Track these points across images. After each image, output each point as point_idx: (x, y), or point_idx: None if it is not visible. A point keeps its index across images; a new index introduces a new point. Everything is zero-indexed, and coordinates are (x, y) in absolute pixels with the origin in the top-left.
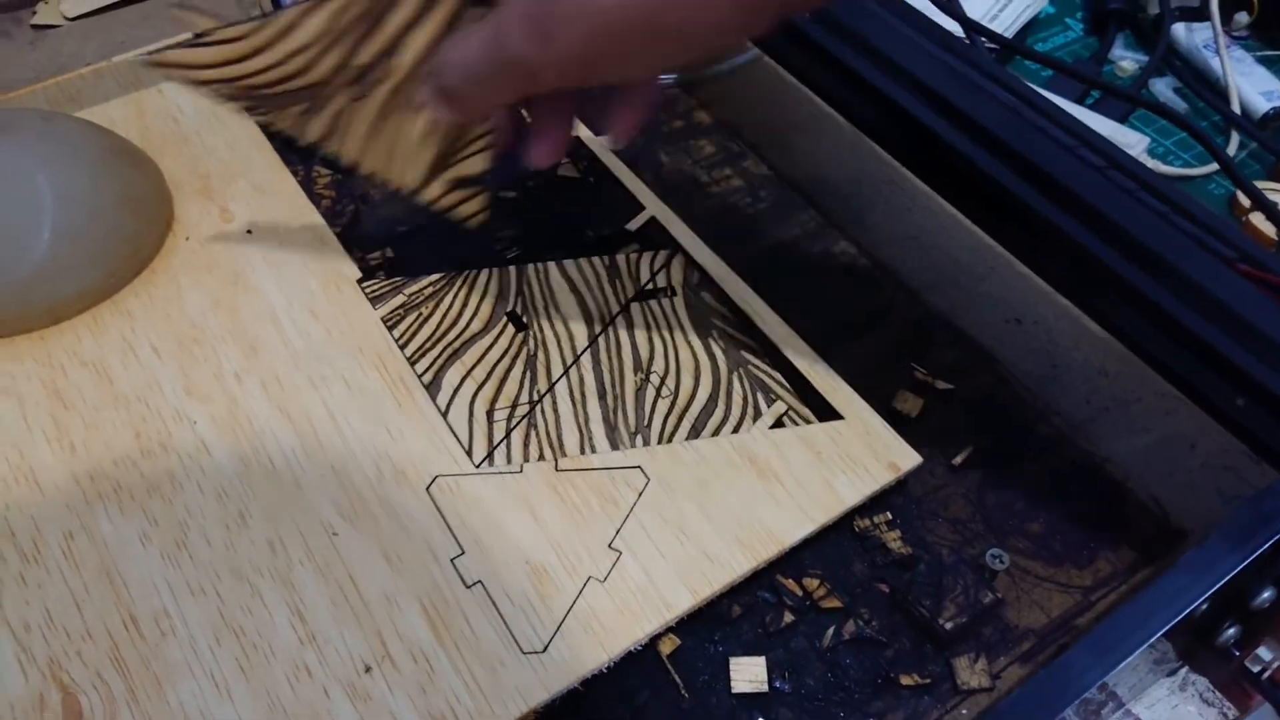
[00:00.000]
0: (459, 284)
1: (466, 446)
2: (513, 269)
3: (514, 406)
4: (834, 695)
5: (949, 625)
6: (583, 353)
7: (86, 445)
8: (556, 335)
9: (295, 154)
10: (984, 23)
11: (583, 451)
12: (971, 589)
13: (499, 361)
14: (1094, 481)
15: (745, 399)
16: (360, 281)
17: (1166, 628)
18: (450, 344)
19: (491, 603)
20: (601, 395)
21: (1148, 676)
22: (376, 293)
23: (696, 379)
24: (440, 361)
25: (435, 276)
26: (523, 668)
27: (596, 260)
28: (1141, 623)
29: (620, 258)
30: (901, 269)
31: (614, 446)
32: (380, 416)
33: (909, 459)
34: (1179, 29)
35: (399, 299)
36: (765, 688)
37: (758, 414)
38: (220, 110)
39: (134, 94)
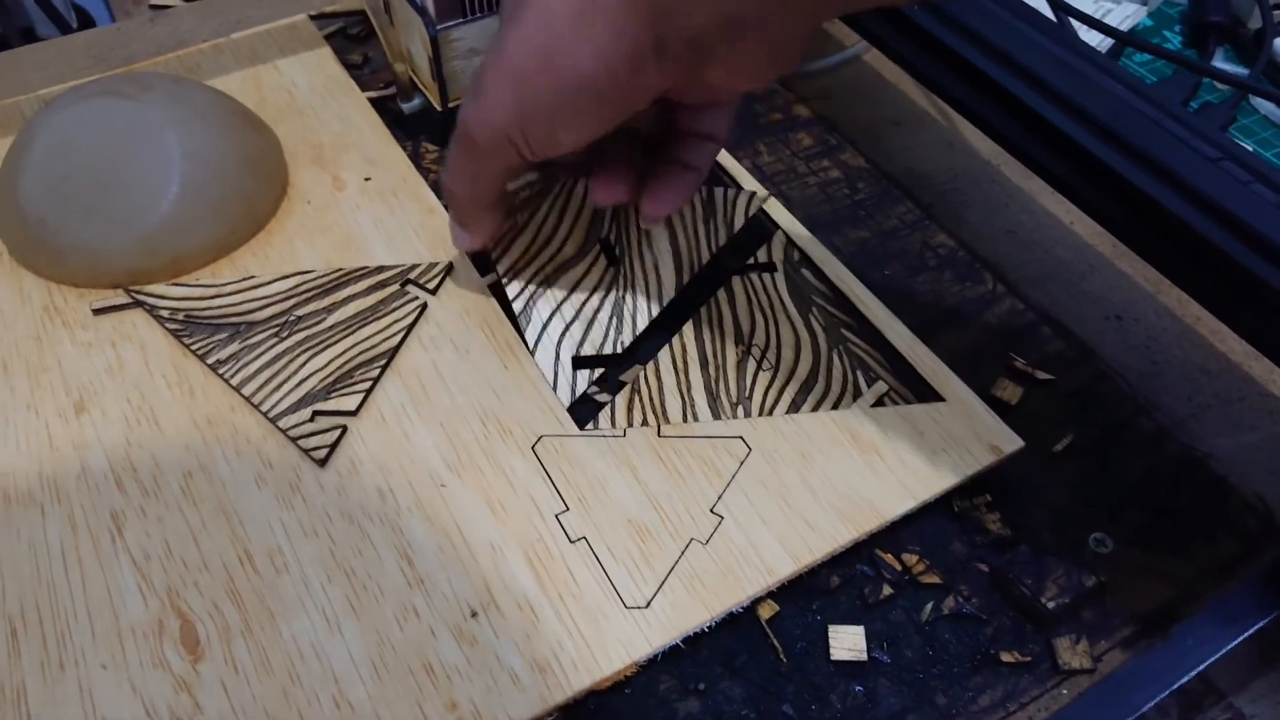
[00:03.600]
0: (556, 197)
1: (570, 409)
2: None
3: (599, 355)
4: (933, 669)
5: (1051, 605)
6: (685, 322)
7: (205, 391)
8: (645, 279)
9: (403, 129)
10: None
11: (685, 419)
12: (1073, 571)
13: (588, 300)
14: (1196, 476)
15: (845, 376)
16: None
17: (1273, 615)
18: (542, 267)
19: (595, 558)
20: (704, 365)
21: (1252, 669)
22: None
23: (797, 353)
24: (532, 288)
25: (531, 176)
26: (626, 621)
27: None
28: (1249, 609)
29: (718, 192)
30: (1001, 264)
31: (716, 416)
32: (486, 378)
33: (1011, 442)
34: None
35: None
36: (864, 657)
37: (858, 392)
38: (332, 86)
39: (251, 69)
